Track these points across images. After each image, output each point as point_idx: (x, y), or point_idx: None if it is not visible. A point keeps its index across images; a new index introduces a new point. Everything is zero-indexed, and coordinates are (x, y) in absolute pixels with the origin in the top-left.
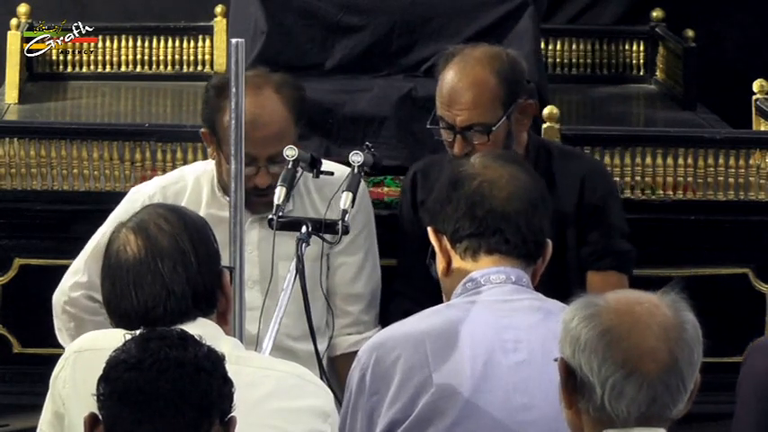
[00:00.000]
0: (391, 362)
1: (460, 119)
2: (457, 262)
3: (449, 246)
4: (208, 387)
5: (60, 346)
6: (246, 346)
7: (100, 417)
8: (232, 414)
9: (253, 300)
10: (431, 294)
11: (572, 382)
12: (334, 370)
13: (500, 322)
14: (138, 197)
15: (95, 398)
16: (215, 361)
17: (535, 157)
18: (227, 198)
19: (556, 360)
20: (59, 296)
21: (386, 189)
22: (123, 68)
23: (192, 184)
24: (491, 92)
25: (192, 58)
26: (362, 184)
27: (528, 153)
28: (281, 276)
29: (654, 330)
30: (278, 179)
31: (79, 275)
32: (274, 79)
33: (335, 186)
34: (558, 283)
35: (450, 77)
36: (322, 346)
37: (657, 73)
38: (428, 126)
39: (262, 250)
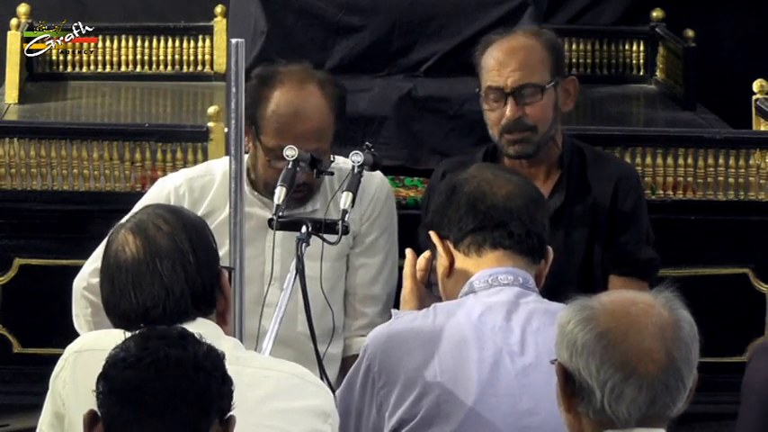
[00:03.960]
0: (398, 357)
1: (512, 80)
2: (460, 261)
3: (452, 247)
4: (207, 386)
5: (60, 346)
6: (261, 341)
7: (99, 414)
8: (231, 413)
9: (272, 296)
10: None
11: (570, 385)
12: (347, 370)
13: (507, 325)
14: (164, 186)
15: (95, 396)
16: (214, 360)
17: (570, 156)
18: (255, 193)
19: (552, 362)
20: (79, 281)
21: None
22: (123, 68)
23: (219, 178)
24: (539, 54)
25: (191, 58)
26: (389, 186)
27: (563, 152)
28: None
29: (650, 331)
30: (313, 177)
31: (99, 262)
32: (318, 76)
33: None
34: (585, 284)
35: (496, 48)
36: (338, 349)
37: (657, 73)
38: (477, 91)
39: (284, 248)
